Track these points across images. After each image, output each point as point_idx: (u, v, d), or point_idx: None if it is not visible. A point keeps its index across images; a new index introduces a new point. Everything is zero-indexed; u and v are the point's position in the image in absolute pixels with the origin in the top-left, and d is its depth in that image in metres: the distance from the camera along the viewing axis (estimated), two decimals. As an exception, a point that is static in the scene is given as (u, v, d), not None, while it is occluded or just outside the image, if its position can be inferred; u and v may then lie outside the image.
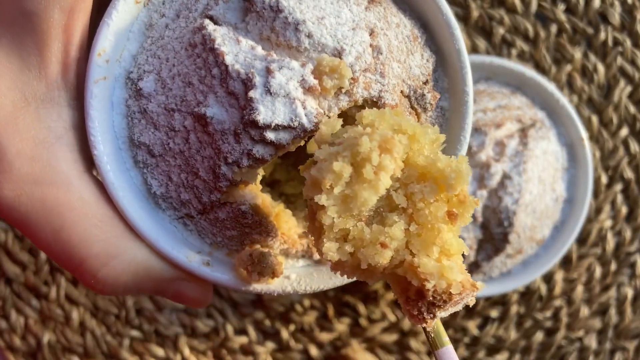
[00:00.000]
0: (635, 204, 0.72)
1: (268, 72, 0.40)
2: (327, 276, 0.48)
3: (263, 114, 0.39)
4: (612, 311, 0.73)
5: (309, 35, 0.41)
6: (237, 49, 0.41)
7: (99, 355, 0.71)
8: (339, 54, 0.41)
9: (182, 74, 0.43)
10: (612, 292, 0.73)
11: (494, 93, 0.67)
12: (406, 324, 0.72)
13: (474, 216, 0.63)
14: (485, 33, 0.72)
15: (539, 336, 0.73)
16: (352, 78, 0.41)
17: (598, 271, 0.73)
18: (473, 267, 0.67)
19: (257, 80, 0.40)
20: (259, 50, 0.41)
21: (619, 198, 0.72)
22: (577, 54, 0.71)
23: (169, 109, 0.43)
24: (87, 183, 0.44)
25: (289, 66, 0.40)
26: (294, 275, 0.48)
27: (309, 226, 0.40)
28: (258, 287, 0.46)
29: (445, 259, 0.37)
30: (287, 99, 0.40)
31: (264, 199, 0.46)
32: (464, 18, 0.71)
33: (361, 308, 0.72)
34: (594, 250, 0.72)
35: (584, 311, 0.73)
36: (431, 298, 0.37)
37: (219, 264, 0.47)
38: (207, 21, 0.42)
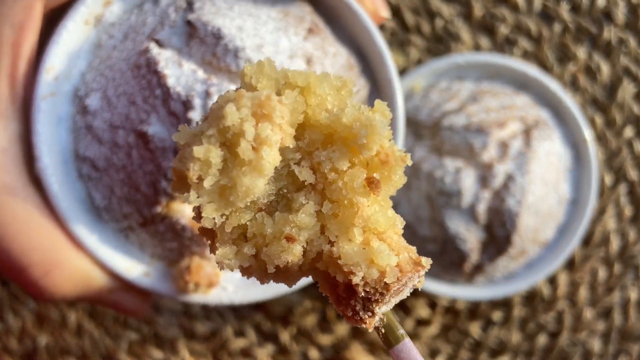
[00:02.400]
0: (640, 205, 0.72)
1: (207, 95, 0.42)
2: (264, 287, 0.50)
3: None
4: (616, 313, 0.72)
5: (248, 62, 0.43)
6: (179, 72, 0.43)
7: (96, 358, 0.71)
8: None
9: (127, 93, 0.44)
10: (616, 294, 0.72)
11: (496, 92, 0.66)
12: (408, 326, 0.72)
13: (477, 217, 0.62)
14: (488, 32, 0.71)
15: (542, 339, 0.72)
16: None
17: (602, 273, 0.72)
18: (476, 270, 0.66)
19: (197, 102, 0.42)
20: (200, 73, 0.43)
21: (623, 199, 0.72)
22: (581, 53, 0.71)
23: (114, 126, 0.45)
24: (30, 194, 0.45)
25: (228, 90, 0.43)
26: (231, 286, 0.50)
27: (200, 228, 0.31)
28: (195, 297, 0.48)
29: (376, 239, 0.29)
30: None
31: None
32: (466, 17, 0.71)
33: (362, 310, 0.72)
34: (598, 252, 0.72)
35: (588, 313, 0.72)
36: (363, 293, 0.29)
37: (158, 274, 0.49)
38: (152, 44, 0.44)
